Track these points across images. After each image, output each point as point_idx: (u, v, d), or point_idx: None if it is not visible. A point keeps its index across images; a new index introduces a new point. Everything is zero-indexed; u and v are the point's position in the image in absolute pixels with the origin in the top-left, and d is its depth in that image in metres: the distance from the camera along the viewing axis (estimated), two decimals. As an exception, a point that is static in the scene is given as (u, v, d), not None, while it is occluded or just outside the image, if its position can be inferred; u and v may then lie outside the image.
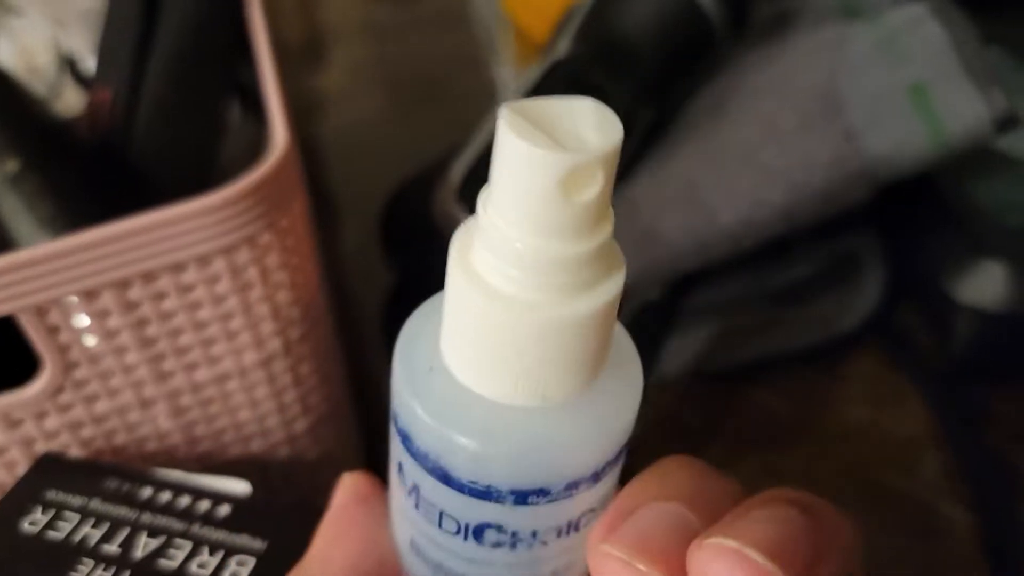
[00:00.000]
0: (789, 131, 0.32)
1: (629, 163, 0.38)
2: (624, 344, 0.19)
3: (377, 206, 0.41)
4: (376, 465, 0.35)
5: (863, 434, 0.33)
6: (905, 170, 0.30)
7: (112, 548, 0.23)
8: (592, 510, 0.18)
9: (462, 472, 0.17)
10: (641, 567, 0.15)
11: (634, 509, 0.16)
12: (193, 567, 0.22)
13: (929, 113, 0.29)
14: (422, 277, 0.40)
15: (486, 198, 0.16)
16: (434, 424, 0.17)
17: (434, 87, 0.64)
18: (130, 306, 0.25)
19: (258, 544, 0.23)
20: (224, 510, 0.24)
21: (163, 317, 0.26)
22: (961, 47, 0.30)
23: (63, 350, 0.25)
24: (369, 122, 0.61)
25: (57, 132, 0.35)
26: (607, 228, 0.16)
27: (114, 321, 0.25)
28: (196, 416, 0.28)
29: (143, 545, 0.23)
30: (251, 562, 0.22)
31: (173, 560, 0.22)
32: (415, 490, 0.18)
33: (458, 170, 0.37)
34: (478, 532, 0.18)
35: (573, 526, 0.18)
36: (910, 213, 0.35)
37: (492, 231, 0.15)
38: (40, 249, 0.23)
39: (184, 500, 0.24)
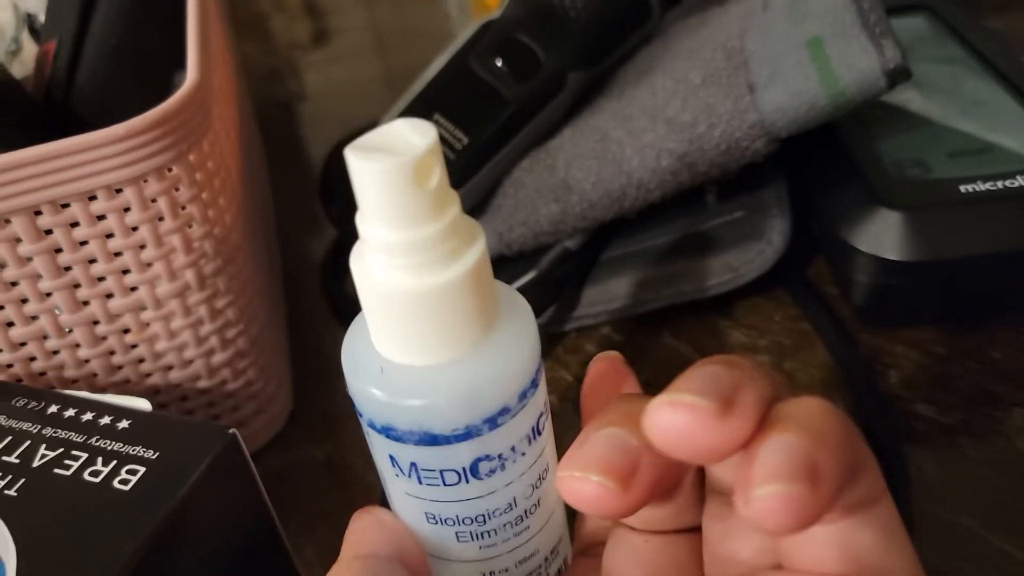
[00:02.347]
0: (695, 86, 0.33)
1: (558, 122, 0.39)
2: (506, 290, 0.22)
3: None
4: (303, 403, 0.36)
5: (767, 379, 0.34)
6: (801, 121, 0.31)
7: (11, 458, 0.24)
8: (542, 414, 0.22)
9: (444, 427, 0.20)
10: (594, 478, 0.19)
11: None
12: (86, 475, 0.23)
13: (824, 65, 0.30)
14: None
15: (360, 218, 0.19)
16: (410, 404, 0.20)
17: (414, 55, 0.66)
18: (42, 232, 0.26)
19: (149, 454, 0.24)
20: (123, 424, 0.25)
21: (76, 244, 0.27)
22: (859, 2, 0.31)
23: (-22, 274, 0.27)
24: (353, 85, 0.63)
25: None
26: (455, 207, 0.19)
27: (25, 248, 0.27)
28: (114, 344, 0.29)
29: (41, 455, 0.24)
30: (141, 470, 0.23)
31: (68, 469, 0.24)
32: (413, 468, 0.22)
33: (387, 119, 0.38)
34: (474, 469, 0.21)
35: (537, 431, 0.22)
36: (817, 167, 0.36)
37: (371, 239, 0.19)
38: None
39: (87, 416, 0.25)
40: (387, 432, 0.21)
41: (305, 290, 0.43)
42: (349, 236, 0.43)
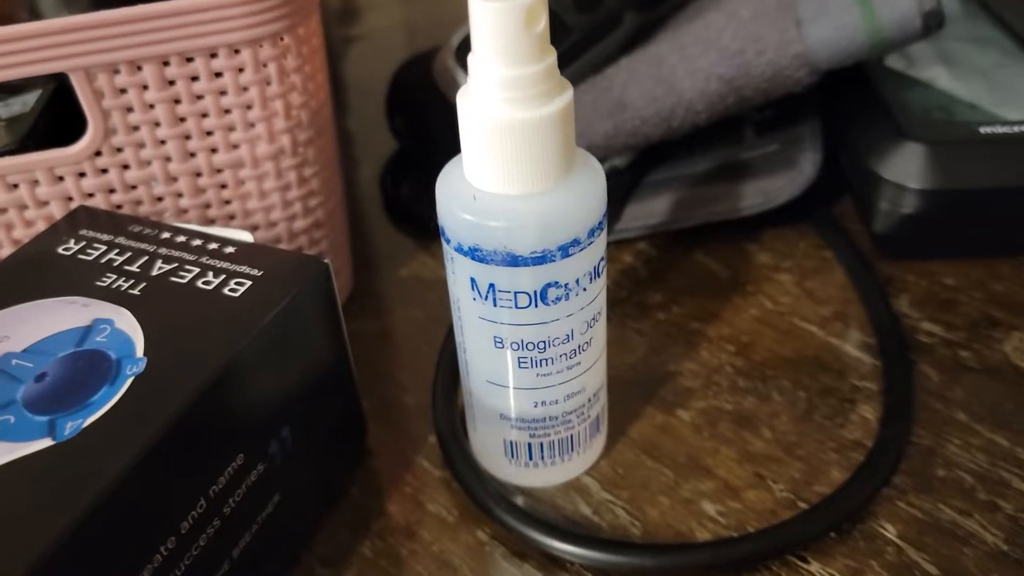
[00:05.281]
0: (746, 20, 0.36)
1: (613, 56, 0.43)
2: (580, 149, 0.26)
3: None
4: (359, 285, 0.39)
5: (788, 293, 0.37)
6: (841, 55, 0.34)
7: (133, 268, 0.27)
8: (603, 259, 0.26)
9: (524, 249, 0.24)
10: None
11: None
12: (199, 283, 0.27)
13: (867, 6, 0.34)
14: (420, 128, 0.44)
15: (473, 58, 0.23)
16: (497, 225, 0.24)
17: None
18: (166, 82, 0.30)
19: (255, 272, 0.27)
20: (229, 249, 0.28)
21: (193, 97, 0.31)
22: (902, -48, 0.34)
23: (105, 115, 0.30)
24: (387, 31, 0.66)
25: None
26: (552, 56, 0.23)
27: (151, 95, 0.30)
28: (211, 198, 0.33)
29: (158, 267, 0.27)
30: (247, 283, 0.27)
31: (183, 279, 0.27)
32: (491, 289, 0.25)
33: (456, 38, 0.41)
34: (543, 294, 0.25)
35: (596, 272, 0.26)
36: (850, 108, 0.39)
37: (481, 76, 0.22)
38: (92, 16, 0.28)
39: (196, 241, 0.29)
40: (473, 253, 0.24)
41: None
42: (410, 145, 0.47)
